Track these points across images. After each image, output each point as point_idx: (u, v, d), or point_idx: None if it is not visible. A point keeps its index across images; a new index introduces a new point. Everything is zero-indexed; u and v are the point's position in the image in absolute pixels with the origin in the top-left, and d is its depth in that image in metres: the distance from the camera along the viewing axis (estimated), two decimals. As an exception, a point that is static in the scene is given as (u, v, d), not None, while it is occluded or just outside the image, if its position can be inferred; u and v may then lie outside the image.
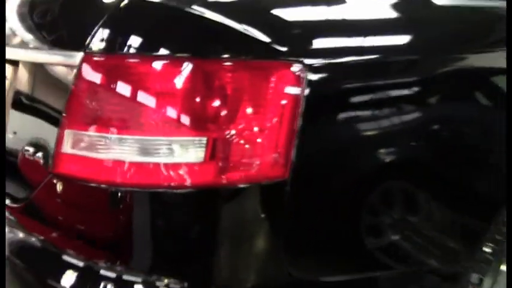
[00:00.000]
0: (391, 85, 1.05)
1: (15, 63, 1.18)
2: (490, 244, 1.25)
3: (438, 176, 1.11)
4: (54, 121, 1.03)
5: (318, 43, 0.99)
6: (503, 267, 1.29)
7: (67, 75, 1.01)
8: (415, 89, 1.09)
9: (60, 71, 1.07)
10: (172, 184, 0.90)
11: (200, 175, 0.90)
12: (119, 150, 0.93)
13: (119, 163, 0.93)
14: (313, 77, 0.93)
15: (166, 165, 0.90)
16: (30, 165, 1.12)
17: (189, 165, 0.90)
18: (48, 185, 1.03)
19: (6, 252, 1.06)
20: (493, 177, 1.20)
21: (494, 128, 1.18)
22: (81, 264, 0.98)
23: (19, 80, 1.17)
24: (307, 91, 0.92)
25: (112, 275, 0.95)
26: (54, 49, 1.07)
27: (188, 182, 0.90)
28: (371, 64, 1.03)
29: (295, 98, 0.91)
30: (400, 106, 1.05)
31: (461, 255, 1.19)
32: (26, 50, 1.14)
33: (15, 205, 1.14)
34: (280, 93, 0.91)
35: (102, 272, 0.96)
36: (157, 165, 0.91)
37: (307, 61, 0.93)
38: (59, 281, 0.98)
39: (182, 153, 0.90)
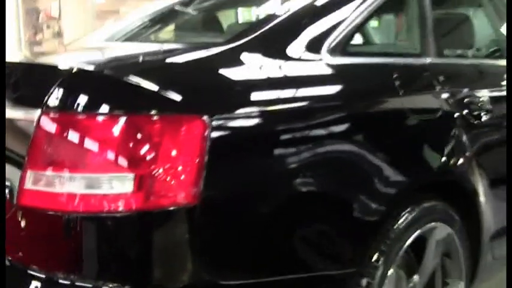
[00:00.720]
0: (280, 131, 1.36)
1: None
2: (377, 252, 1.55)
3: (327, 199, 1.42)
4: (18, 164, 1.31)
5: (220, 100, 1.29)
6: (390, 272, 1.59)
7: (28, 127, 1.30)
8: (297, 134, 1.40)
9: (22, 124, 1.35)
10: (111, 210, 1.18)
11: (131, 202, 1.18)
12: (70, 185, 1.21)
13: (71, 195, 1.21)
14: (216, 127, 1.23)
15: (106, 195, 1.19)
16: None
17: (123, 195, 1.18)
18: (14, 215, 1.30)
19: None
20: (376, 196, 1.51)
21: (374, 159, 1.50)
22: (43, 276, 1.25)
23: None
24: (211, 138, 1.22)
25: (67, 282, 1.22)
26: (17, 106, 1.35)
27: (122, 208, 1.18)
28: (262, 115, 1.33)
29: (202, 144, 1.21)
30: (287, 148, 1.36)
31: (350, 261, 1.48)
32: None
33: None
34: (190, 140, 1.21)
35: (60, 281, 1.23)
36: (99, 196, 1.19)
37: (212, 114, 1.23)
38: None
39: (117, 186, 1.18)
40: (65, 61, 1.41)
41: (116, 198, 1.18)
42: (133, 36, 2.08)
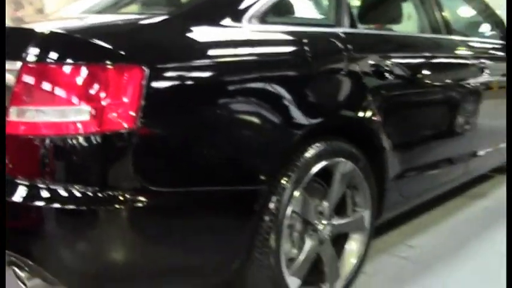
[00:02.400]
0: (212, 84, 1.80)
1: None
2: (285, 176, 2.00)
3: (243, 128, 1.86)
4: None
5: (157, 55, 1.73)
6: (296, 193, 2.04)
7: (11, 75, 1.73)
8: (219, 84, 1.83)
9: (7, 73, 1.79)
10: (75, 133, 1.62)
11: (88, 127, 1.62)
12: (45, 116, 1.65)
13: (45, 123, 1.64)
14: (153, 73, 1.67)
15: (71, 122, 1.62)
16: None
17: (83, 122, 1.62)
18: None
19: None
20: (288, 131, 1.96)
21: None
22: (27, 182, 1.69)
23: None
24: (148, 82, 1.66)
25: (44, 186, 1.67)
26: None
27: (83, 131, 1.62)
28: (189, 69, 1.77)
29: (141, 86, 1.64)
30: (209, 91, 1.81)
31: (262, 180, 1.92)
32: None
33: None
34: (132, 83, 1.64)
35: (39, 185, 1.67)
36: (66, 123, 1.63)
37: (149, 65, 1.67)
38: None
39: (79, 116, 1.62)
40: (41, 26, 1.84)
41: (78, 124, 1.62)
42: (104, 9, 2.52)
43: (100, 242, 1.70)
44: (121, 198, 1.65)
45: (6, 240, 1.70)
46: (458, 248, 2.96)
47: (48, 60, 1.66)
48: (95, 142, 1.63)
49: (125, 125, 1.63)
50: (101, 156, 1.65)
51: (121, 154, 1.65)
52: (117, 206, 1.65)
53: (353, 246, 2.42)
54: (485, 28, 3.81)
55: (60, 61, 1.65)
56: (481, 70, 3.24)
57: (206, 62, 1.81)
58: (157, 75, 1.68)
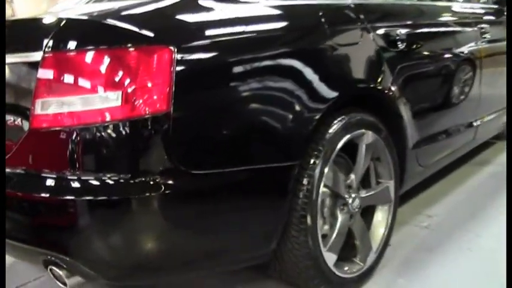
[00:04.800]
0: (239, 61, 1.75)
1: None
2: (315, 151, 1.97)
3: (272, 108, 1.83)
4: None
5: (184, 34, 1.68)
6: (326, 168, 2.01)
7: (32, 67, 1.67)
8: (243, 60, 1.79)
9: (26, 66, 1.72)
10: (104, 120, 1.57)
11: (119, 113, 1.57)
12: (72, 106, 1.59)
13: (73, 113, 1.59)
14: (181, 54, 1.62)
15: (100, 110, 1.57)
16: (12, 130, 1.76)
17: (112, 108, 1.57)
18: (27, 138, 1.67)
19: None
20: (313, 106, 1.93)
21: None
22: (54, 175, 1.63)
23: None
24: (178, 62, 1.61)
25: (74, 177, 1.61)
26: (21, 53, 1.72)
27: (113, 118, 1.57)
28: (216, 46, 1.73)
29: (171, 67, 1.59)
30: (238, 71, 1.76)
31: (293, 156, 1.90)
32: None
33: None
34: (161, 65, 1.59)
35: (69, 176, 1.61)
36: (94, 111, 1.57)
37: (178, 43, 1.62)
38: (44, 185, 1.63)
39: (108, 102, 1.57)
40: (56, 15, 1.77)
41: (107, 112, 1.57)
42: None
43: (136, 231, 1.65)
44: (156, 184, 1.60)
45: (4, 239, 1.69)
46: (474, 213, 2.98)
47: (70, 48, 1.60)
48: (125, 128, 1.58)
49: (157, 109, 1.58)
50: (133, 142, 1.60)
51: (154, 139, 1.60)
52: (152, 192, 1.60)
53: (380, 218, 2.40)
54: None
55: (83, 47, 1.60)
56: (484, 35, 3.25)
57: (231, 39, 1.77)
58: (186, 55, 1.63)
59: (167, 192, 1.61)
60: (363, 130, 2.18)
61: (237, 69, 1.75)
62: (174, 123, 1.60)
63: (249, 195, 1.81)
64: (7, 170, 1.74)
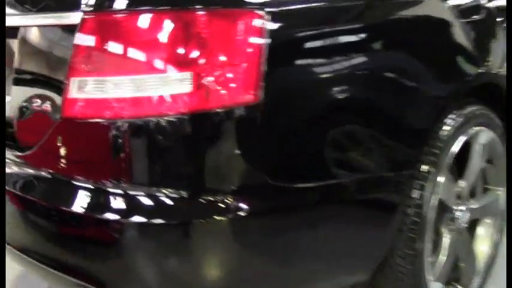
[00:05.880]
0: (340, 31, 1.29)
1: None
2: (428, 157, 1.50)
3: (380, 108, 1.36)
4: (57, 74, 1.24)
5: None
6: (440, 178, 1.54)
7: (66, 32, 1.21)
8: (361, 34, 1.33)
9: (57, 30, 1.27)
10: (167, 113, 1.11)
11: (188, 103, 1.11)
12: (120, 90, 1.13)
13: (122, 100, 1.13)
14: (273, 21, 1.15)
15: (161, 97, 1.11)
16: (35, 118, 1.32)
17: (179, 96, 1.11)
18: (58, 129, 1.23)
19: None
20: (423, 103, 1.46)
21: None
22: (90, 186, 1.19)
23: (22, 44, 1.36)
24: (270, 33, 1.14)
25: (118, 191, 1.16)
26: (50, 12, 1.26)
27: (179, 110, 1.11)
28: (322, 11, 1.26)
29: (261, 39, 1.13)
30: (348, 50, 1.28)
31: (405, 165, 1.43)
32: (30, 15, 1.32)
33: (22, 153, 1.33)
34: (247, 36, 1.13)
35: (110, 189, 1.16)
36: (152, 98, 1.11)
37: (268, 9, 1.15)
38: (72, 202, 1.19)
39: (174, 87, 1.11)
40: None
41: (169, 100, 1.11)
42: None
43: (205, 267, 1.21)
44: (235, 203, 1.16)
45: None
46: None
47: (120, 7, 1.14)
48: (196, 125, 1.13)
49: (242, 98, 1.12)
50: (205, 145, 1.15)
51: (236, 141, 1.15)
52: (229, 214, 1.16)
53: (484, 233, 1.93)
54: None
55: (138, 8, 1.14)
56: None
57: (345, 5, 1.29)
58: (281, 23, 1.17)
59: (251, 212, 1.17)
60: (478, 127, 1.70)
61: (348, 48, 1.29)
62: (265, 119, 1.15)
63: (349, 213, 1.36)
64: (27, 170, 1.31)
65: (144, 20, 1.13)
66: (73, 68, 1.16)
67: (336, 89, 1.27)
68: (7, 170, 1.35)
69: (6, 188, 1.33)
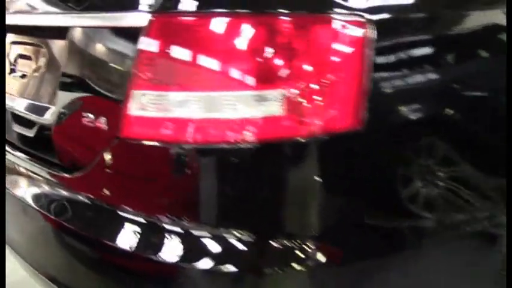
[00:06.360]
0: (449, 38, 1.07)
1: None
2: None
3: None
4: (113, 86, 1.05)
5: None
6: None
7: (129, 38, 1.02)
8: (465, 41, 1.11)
9: (119, 34, 1.08)
10: (248, 139, 0.91)
11: (275, 129, 0.91)
12: (190, 109, 0.93)
13: (189, 121, 0.93)
14: (380, 31, 0.94)
15: (242, 120, 0.91)
16: (85, 134, 1.13)
17: (263, 120, 0.90)
18: (113, 150, 1.04)
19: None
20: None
21: None
22: (143, 220, 1.00)
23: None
24: (377, 45, 0.93)
25: (177, 229, 0.97)
26: (111, 11, 1.07)
27: (262, 137, 0.91)
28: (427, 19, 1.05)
29: (366, 52, 0.92)
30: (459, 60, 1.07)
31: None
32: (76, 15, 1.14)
33: (69, 175, 1.15)
34: (349, 47, 0.92)
35: (167, 226, 0.98)
36: (237, 120, 0.91)
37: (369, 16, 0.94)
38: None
39: (257, 108, 0.90)
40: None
41: (253, 124, 0.91)
42: None
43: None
44: (322, 248, 0.95)
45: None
46: None
47: (196, 9, 0.94)
48: (279, 156, 0.94)
49: (339, 125, 0.92)
50: (291, 180, 0.94)
51: (331, 176, 0.94)
52: (312, 261, 0.95)
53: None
54: None
55: (215, 10, 0.93)
56: None
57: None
58: (385, 33, 0.96)
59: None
60: None
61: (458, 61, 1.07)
62: (367, 148, 0.95)
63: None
64: (68, 194, 1.14)
65: (221, 26, 0.93)
66: (136, 80, 0.97)
67: (453, 112, 1.05)
68: (45, 190, 1.21)
69: (39, 209, 1.18)
